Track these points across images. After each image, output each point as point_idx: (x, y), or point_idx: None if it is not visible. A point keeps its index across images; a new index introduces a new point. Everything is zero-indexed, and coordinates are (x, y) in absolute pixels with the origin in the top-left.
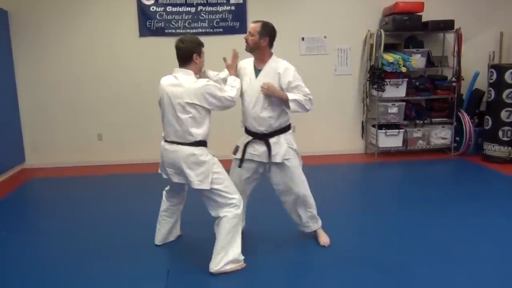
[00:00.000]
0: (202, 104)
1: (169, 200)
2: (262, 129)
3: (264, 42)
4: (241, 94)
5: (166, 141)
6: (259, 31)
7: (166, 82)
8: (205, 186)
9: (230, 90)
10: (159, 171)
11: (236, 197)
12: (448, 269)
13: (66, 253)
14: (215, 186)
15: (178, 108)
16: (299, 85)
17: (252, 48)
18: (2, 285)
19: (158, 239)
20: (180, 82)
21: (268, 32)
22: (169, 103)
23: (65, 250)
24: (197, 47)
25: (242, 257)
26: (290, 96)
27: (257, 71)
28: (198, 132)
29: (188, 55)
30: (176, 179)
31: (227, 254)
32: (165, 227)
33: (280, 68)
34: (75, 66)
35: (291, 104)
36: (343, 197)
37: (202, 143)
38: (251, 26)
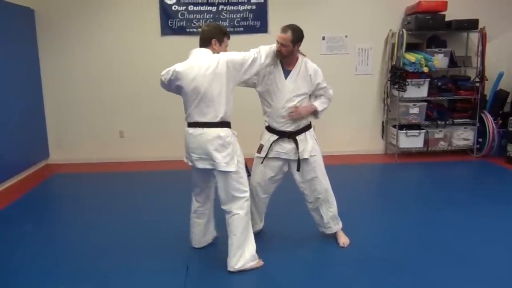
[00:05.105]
0: (224, 73)
1: (197, 200)
2: (291, 128)
3: (297, 47)
4: (268, 94)
5: (190, 126)
6: (292, 40)
7: (183, 66)
8: (232, 167)
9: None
10: (184, 159)
11: (248, 190)
12: (469, 273)
13: (88, 247)
14: (239, 170)
15: (201, 85)
16: (326, 87)
17: (286, 57)
18: (26, 277)
19: (194, 241)
20: (198, 61)
21: (299, 37)
22: (190, 84)
23: (87, 243)
24: (219, 35)
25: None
26: (319, 106)
27: (286, 72)
28: (222, 109)
29: (208, 38)
30: (200, 164)
31: (244, 253)
32: (197, 229)
33: (310, 70)
34: (98, 64)
35: (320, 115)
36: (363, 198)
37: (226, 124)
38: (282, 36)
